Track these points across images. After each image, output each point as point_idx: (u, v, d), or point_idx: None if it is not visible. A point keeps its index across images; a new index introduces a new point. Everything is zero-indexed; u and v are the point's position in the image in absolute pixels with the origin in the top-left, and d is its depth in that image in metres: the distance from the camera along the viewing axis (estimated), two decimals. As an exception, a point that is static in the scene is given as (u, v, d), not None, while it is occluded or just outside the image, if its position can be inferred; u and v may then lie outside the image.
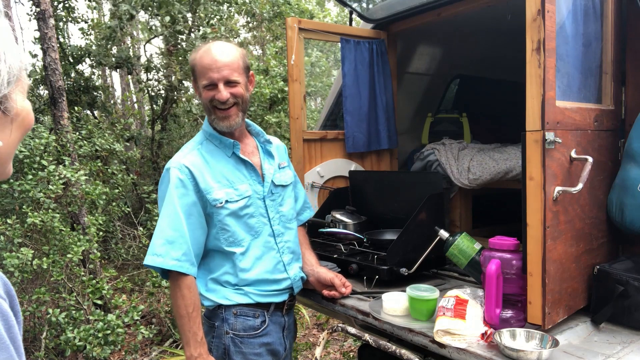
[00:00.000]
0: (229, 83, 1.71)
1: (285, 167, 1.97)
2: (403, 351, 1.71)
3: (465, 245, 1.87)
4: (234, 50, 1.75)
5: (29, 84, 0.80)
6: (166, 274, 1.71)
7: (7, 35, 0.71)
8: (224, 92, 1.70)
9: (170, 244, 1.66)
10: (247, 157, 1.83)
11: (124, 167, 5.93)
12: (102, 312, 3.61)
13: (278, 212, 1.86)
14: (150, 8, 5.95)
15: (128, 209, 5.38)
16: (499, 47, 3.37)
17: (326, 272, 2.01)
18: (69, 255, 3.58)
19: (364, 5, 3.01)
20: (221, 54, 1.71)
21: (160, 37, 6.83)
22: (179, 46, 6.36)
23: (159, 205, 1.75)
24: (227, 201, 1.73)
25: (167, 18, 5.96)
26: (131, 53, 6.76)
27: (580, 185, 1.53)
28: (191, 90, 7.08)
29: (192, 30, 6.38)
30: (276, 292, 1.84)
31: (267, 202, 1.83)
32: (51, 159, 4.00)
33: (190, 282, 1.68)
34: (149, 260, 1.67)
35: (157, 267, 1.67)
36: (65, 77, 6.00)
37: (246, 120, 1.90)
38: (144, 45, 7.20)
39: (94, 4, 7.09)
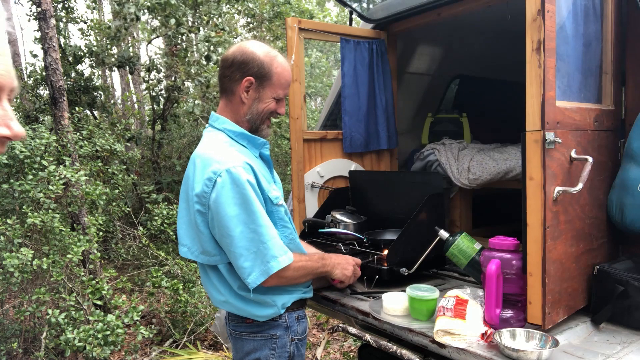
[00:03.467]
0: None
1: None
2: (403, 351, 1.71)
3: (465, 245, 1.87)
4: None
5: None
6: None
7: None
8: (285, 108, 1.78)
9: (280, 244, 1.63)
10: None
11: (124, 167, 5.92)
12: (102, 313, 3.60)
13: None
14: (155, 11, 5.94)
15: (128, 209, 5.37)
16: (499, 47, 3.37)
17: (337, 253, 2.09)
18: (69, 256, 3.57)
19: (364, 5, 3.01)
20: None
21: (161, 37, 6.83)
22: (179, 46, 6.36)
23: (229, 210, 1.55)
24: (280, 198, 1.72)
25: (172, 21, 5.95)
26: (131, 52, 6.75)
27: (580, 185, 1.53)
28: (192, 90, 7.10)
29: (192, 30, 6.38)
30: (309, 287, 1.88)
31: None
32: (52, 159, 3.99)
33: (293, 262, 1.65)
34: (281, 262, 1.59)
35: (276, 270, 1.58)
36: (65, 77, 6.00)
37: None
38: (147, 46, 7.21)
39: (93, 4, 7.08)
